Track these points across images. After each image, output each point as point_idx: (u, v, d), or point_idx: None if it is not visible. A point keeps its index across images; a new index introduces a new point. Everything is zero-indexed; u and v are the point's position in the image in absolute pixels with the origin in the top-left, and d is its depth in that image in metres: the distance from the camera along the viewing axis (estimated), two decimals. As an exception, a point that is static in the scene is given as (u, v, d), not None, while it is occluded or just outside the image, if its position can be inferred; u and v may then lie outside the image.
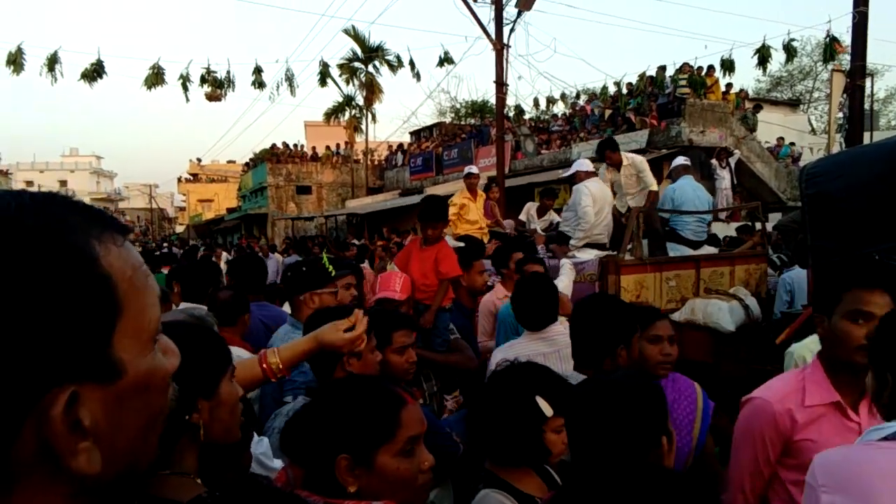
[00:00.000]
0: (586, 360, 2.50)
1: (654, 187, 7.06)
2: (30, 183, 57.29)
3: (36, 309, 0.51)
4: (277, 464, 1.81)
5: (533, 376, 1.91)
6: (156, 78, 18.93)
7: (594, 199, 6.10)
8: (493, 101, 19.45)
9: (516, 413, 1.80)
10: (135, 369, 0.57)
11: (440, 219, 4.24)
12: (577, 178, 6.35)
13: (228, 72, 19.79)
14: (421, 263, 4.20)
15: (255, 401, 2.80)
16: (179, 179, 55.27)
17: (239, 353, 2.77)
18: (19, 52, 17.55)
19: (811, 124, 28.27)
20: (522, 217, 9.06)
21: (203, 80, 19.41)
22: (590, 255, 6.00)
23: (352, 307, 2.12)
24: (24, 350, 0.50)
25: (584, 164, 6.52)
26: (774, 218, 13.04)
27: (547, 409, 1.80)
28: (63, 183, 64.18)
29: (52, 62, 17.47)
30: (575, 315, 2.61)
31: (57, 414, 0.52)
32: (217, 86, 19.44)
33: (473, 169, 8.08)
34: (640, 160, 7.19)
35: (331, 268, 3.46)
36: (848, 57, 10.82)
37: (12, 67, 17.36)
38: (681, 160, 7.53)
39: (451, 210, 7.66)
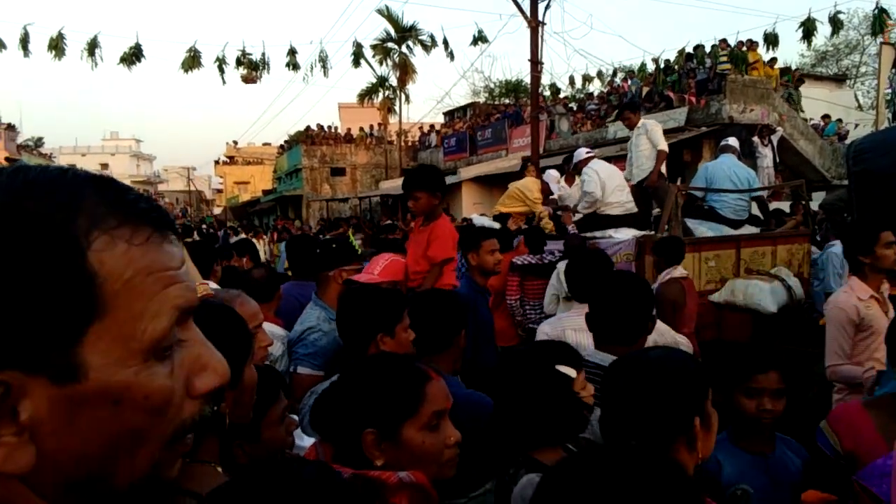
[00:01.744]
0: (621, 337, 2.43)
1: (664, 147, 7.11)
2: (72, 166, 58.76)
3: None
4: (308, 441, 1.83)
5: (543, 352, 1.92)
6: (192, 61, 19.18)
7: (598, 175, 6.24)
8: (527, 80, 19.26)
9: (546, 388, 1.79)
10: (104, 377, 0.52)
11: (420, 187, 3.75)
12: (581, 165, 6.59)
13: (263, 54, 20.03)
14: (415, 246, 3.85)
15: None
16: (216, 162, 56.08)
17: (272, 329, 2.87)
18: (60, 37, 17.93)
19: (858, 100, 27.31)
20: (555, 195, 8.94)
21: (239, 63, 19.63)
22: (627, 234, 5.92)
23: (398, 291, 2.16)
24: None
25: (581, 153, 6.86)
26: (818, 197, 12.68)
27: (570, 371, 1.81)
28: (104, 166, 65.68)
29: (93, 47, 17.82)
30: (608, 293, 2.51)
31: None
32: (252, 68, 19.65)
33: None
34: (653, 123, 7.36)
35: (358, 245, 3.47)
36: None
37: (54, 52, 17.77)
38: (726, 140, 7.39)
39: (537, 195, 7.67)
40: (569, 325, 2.99)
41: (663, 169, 7.18)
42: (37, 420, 0.50)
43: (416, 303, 2.42)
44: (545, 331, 3.06)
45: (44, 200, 0.51)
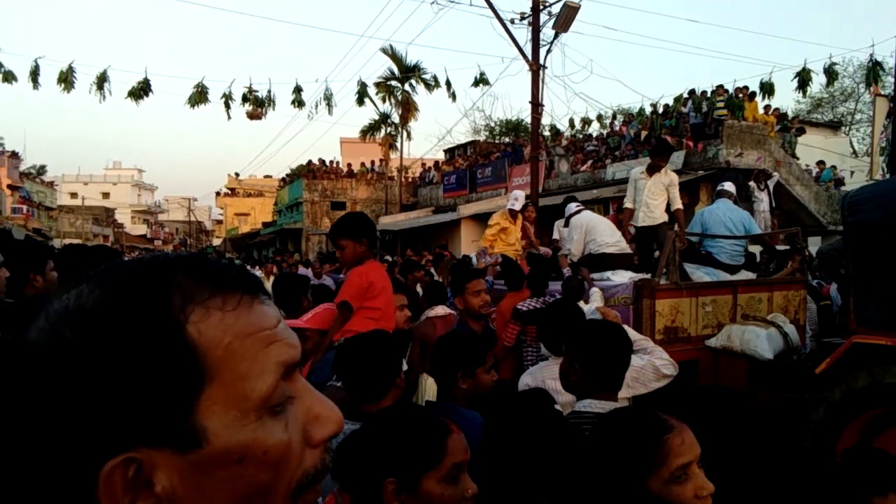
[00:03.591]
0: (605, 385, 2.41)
1: (680, 206, 7.08)
2: (74, 195, 59.08)
3: (109, 375, 0.52)
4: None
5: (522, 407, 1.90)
6: (199, 96, 19.43)
7: (583, 225, 6.54)
8: (527, 119, 19.55)
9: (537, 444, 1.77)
10: (223, 439, 0.55)
11: (343, 235, 3.69)
12: (571, 218, 6.85)
13: (269, 91, 20.26)
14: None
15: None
16: (218, 193, 56.35)
17: None
18: (70, 70, 18.20)
19: (853, 147, 27.69)
20: (556, 236, 9.09)
21: (245, 99, 19.88)
22: (624, 277, 5.98)
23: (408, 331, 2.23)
24: (94, 414, 0.52)
25: (571, 208, 7.05)
26: (814, 242, 12.80)
27: None
28: (106, 195, 65.97)
29: (102, 80, 18.06)
30: (588, 342, 2.44)
31: (105, 474, 0.52)
32: (258, 104, 19.89)
33: (516, 204, 8.04)
34: (675, 177, 7.24)
35: None
36: (892, 79, 10.64)
37: (63, 85, 18.00)
38: (722, 185, 7.47)
39: (492, 230, 7.79)
40: (548, 374, 3.09)
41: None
42: (169, 489, 0.54)
43: (340, 352, 2.38)
44: (526, 381, 3.18)
45: (142, 288, 0.56)
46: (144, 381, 0.53)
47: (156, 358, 0.54)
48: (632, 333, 3.23)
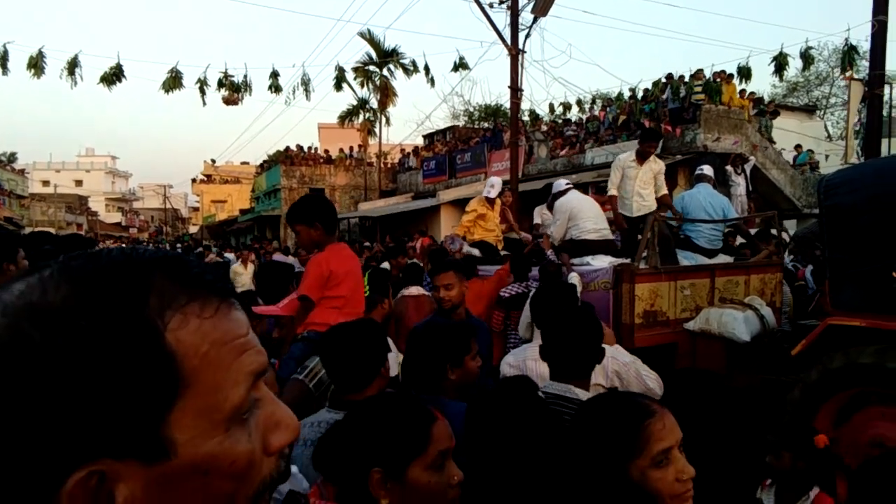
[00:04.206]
0: (573, 372, 2.45)
1: (665, 191, 7.04)
2: (46, 182, 57.86)
3: (79, 382, 0.49)
4: (305, 484, 1.82)
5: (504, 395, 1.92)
6: (174, 82, 19.08)
7: (568, 209, 6.37)
8: (506, 104, 19.50)
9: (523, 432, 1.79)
10: (192, 451, 0.53)
11: (297, 221, 3.56)
12: (558, 196, 6.64)
13: (246, 76, 19.96)
14: None
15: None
16: (194, 180, 55.65)
17: None
18: (40, 55, 17.77)
19: (827, 131, 28.04)
20: (536, 220, 9.08)
21: (220, 84, 19.56)
22: (604, 262, 6.01)
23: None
24: (60, 423, 0.49)
25: (558, 185, 6.84)
26: (789, 225, 12.98)
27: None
28: (79, 182, 64.78)
29: (73, 66, 17.67)
30: (558, 329, 2.52)
31: (68, 491, 0.49)
32: (234, 90, 19.59)
33: (492, 192, 7.99)
34: (662, 164, 7.16)
35: None
36: (866, 63, 10.78)
37: (33, 71, 17.58)
38: (701, 169, 7.48)
39: (469, 216, 7.76)
40: (530, 355, 3.08)
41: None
42: (132, 502, 0.51)
43: (325, 341, 2.38)
44: (508, 361, 3.17)
45: (117, 287, 0.53)
46: (117, 389, 0.50)
47: (132, 365, 0.50)
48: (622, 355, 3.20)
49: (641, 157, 6.82)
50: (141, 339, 0.51)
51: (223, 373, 0.55)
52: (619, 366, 3.02)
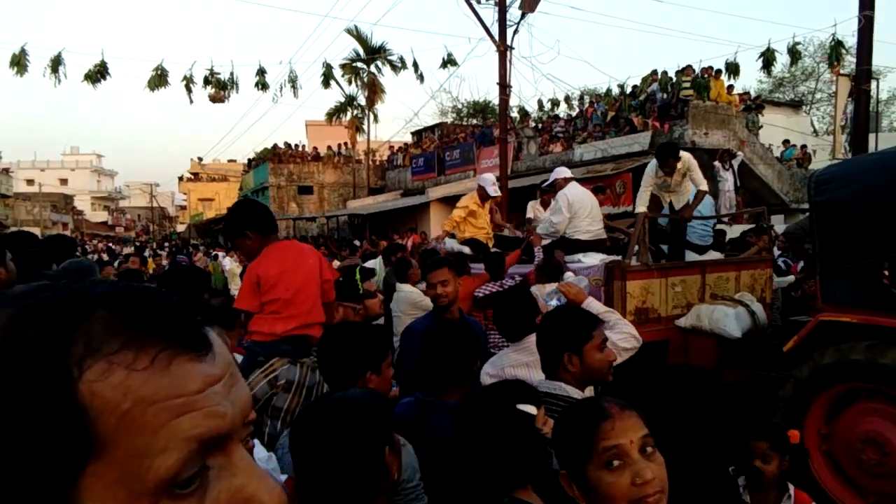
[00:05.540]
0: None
1: (704, 187, 6.63)
2: (31, 181, 57.25)
3: None
4: (282, 477, 1.82)
5: (502, 392, 1.92)
6: (159, 80, 18.93)
7: (570, 204, 6.16)
8: (495, 101, 19.46)
9: (512, 431, 1.78)
10: None
11: (232, 237, 3.41)
12: (557, 185, 6.46)
13: (232, 73, 19.84)
14: None
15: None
16: (180, 178, 55.27)
17: (238, 358, 2.86)
18: (23, 53, 17.56)
19: (813, 126, 28.23)
20: (530, 215, 9.05)
21: (206, 82, 19.44)
22: (596, 259, 6.00)
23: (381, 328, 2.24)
24: None
25: (561, 172, 6.64)
26: (777, 220, 13.03)
27: (531, 409, 1.81)
28: (64, 181, 64.16)
29: (56, 64, 17.49)
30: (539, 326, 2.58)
31: None
32: (221, 87, 19.46)
33: (495, 190, 7.89)
34: (689, 157, 6.70)
35: None
36: (852, 59, 10.83)
37: (16, 69, 17.38)
38: None
39: (460, 213, 7.70)
40: (507, 363, 3.05)
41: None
42: None
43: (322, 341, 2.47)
44: (488, 371, 3.11)
45: (43, 325, 0.46)
46: (17, 446, 0.43)
47: (36, 419, 0.44)
48: (595, 306, 3.21)
49: (669, 169, 6.54)
50: (48, 388, 0.44)
51: (148, 437, 0.46)
52: None
